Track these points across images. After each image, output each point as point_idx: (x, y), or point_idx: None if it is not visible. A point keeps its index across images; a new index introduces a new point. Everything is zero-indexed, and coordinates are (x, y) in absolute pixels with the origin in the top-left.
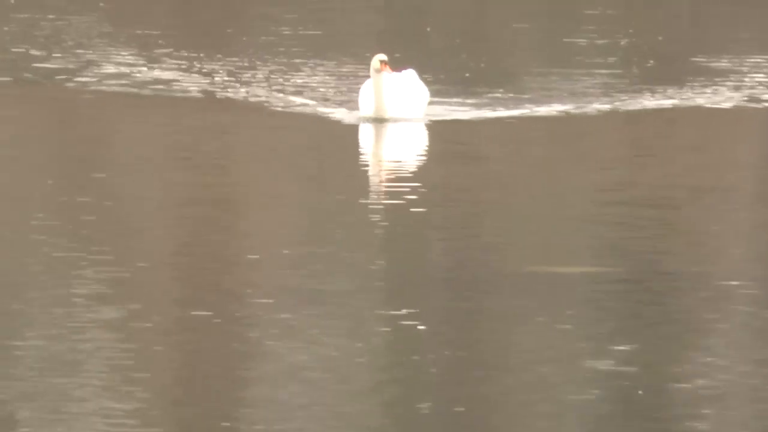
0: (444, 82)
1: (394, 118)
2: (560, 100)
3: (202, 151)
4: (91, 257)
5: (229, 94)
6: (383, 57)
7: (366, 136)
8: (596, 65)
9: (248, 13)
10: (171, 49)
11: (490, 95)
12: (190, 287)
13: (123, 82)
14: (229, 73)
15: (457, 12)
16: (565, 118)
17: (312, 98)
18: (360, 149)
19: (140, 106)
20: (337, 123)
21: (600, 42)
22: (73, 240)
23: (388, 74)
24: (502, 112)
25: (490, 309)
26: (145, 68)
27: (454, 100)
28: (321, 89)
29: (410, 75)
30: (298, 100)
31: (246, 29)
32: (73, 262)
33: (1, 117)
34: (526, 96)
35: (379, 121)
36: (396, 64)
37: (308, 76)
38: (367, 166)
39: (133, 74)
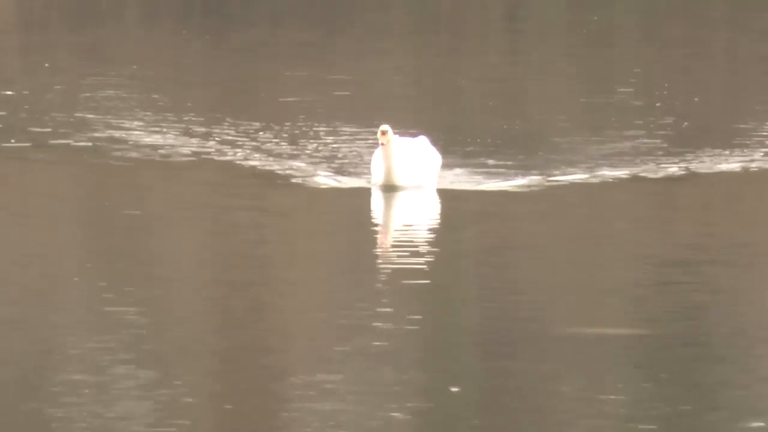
0: (475, 144)
1: (405, 185)
2: (592, 162)
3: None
4: (129, 340)
5: (242, 161)
6: (384, 128)
7: (377, 203)
8: (630, 126)
9: (281, 74)
10: (192, 114)
11: (521, 158)
12: (228, 365)
13: (144, 148)
14: (247, 137)
15: (490, 74)
16: (598, 181)
17: (328, 165)
18: (372, 216)
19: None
20: (351, 190)
21: (634, 103)
22: (113, 323)
23: (387, 144)
24: (532, 176)
25: (528, 371)
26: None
27: (488, 162)
28: (338, 155)
29: (422, 142)
30: (315, 170)
31: (275, 90)
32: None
33: (35, 186)
34: (558, 158)
35: (389, 188)
36: (425, 127)
37: (326, 140)
38: (383, 231)
39: (149, 140)
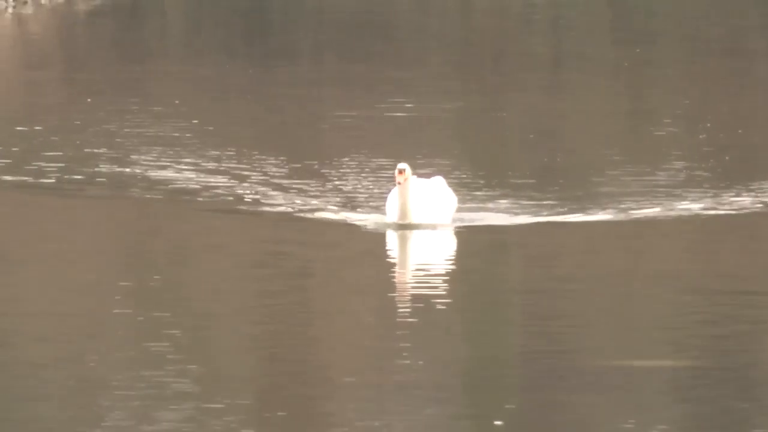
0: (515, 177)
1: (421, 224)
2: (635, 194)
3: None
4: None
5: (263, 200)
6: (402, 166)
7: (392, 242)
8: (673, 159)
9: (324, 108)
10: (231, 150)
11: (562, 192)
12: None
13: (179, 183)
14: (284, 171)
15: (532, 107)
16: (641, 214)
17: (352, 204)
18: (389, 254)
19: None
20: (367, 229)
21: (678, 136)
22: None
23: (404, 183)
24: (574, 209)
25: (572, 404)
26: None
27: (531, 195)
28: (360, 192)
29: (438, 182)
30: (334, 209)
31: (318, 126)
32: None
33: (78, 222)
34: (600, 190)
35: (404, 227)
36: (466, 161)
37: (368, 176)
38: (402, 270)
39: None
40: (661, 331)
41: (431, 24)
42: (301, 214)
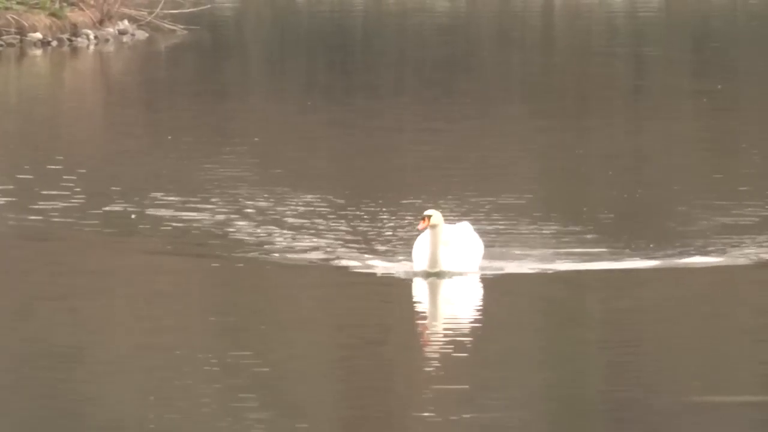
0: (597, 212)
1: (449, 272)
2: (716, 231)
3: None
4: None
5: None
6: (430, 212)
7: (421, 290)
8: (754, 197)
9: (405, 148)
10: (311, 195)
11: (641, 230)
12: None
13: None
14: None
15: (613, 144)
16: (722, 251)
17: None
18: (417, 303)
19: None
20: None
21: (759, 173)
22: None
23: (434, 229)
24: (655, 247)
25: None
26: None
27: (613, 233)
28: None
29: (465, 228)
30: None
31: (396, 166)
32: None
33: (150, 269)
34: (681, 228)
35: (433, 275)
36: (544, 198)
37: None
38: (432, 319)
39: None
40: (743, 366)
41: (513, 60)
42: (331, 265)
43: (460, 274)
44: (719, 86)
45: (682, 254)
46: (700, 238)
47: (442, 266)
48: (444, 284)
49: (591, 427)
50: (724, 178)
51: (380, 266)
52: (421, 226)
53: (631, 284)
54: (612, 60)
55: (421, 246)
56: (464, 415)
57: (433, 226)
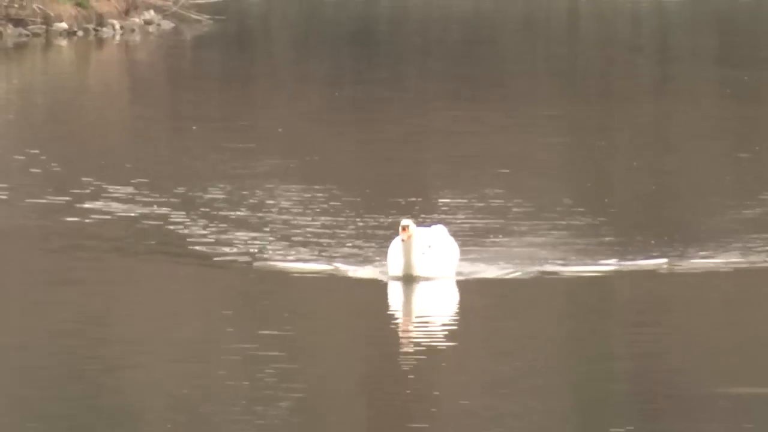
0: (619, 207)
1: (424, 276)
2: (738, 227)
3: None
4: None
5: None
6: (405, 223)
7: (396, 295)
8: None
9: (431, 154)
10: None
11: (668, 229)
12: None
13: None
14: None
15: (639, 134)
16: (746, 247)
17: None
18: (393, 309)
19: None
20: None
21: None
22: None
23: (408, 239)
24: (680, 245)
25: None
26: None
27: (638, 233)
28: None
29: (439, 231)
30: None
31: (420, 177)
32: None
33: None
34: (707, 221)
35: (408, 279)
36: (571, 189)
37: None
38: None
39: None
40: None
41: (538, 52)
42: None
43: (435, 278)
44: (746, 78)
45: (703, 250)
46: (723, 233)
47: (417, 271)
48: (418, 288)
49: (613, 418)
50: (747, 170)
51: (351, 270)
52: (405, 237)
53: (656, 280)
54: (636, 51)
55: (396, 251)
56: (505, 403)
57: (410, 235)
